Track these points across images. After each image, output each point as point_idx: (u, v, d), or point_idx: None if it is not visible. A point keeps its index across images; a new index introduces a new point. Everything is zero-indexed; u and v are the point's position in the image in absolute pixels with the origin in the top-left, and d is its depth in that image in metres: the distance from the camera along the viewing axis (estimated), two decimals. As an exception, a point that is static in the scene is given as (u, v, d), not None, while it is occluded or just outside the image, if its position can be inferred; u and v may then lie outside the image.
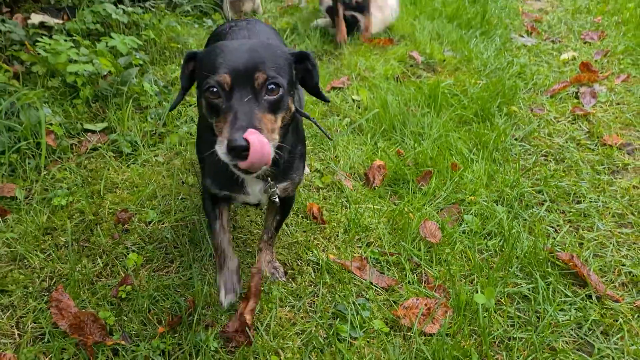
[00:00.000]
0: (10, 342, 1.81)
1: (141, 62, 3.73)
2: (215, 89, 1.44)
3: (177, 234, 2.29)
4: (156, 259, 2.18)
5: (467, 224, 2.44)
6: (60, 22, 4.15)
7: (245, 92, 1.42)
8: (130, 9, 4.23)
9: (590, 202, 2.69)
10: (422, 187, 2.68)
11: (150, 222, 2.38)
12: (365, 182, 2.74)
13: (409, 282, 2.09)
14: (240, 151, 1.33)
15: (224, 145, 1.36)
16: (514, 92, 3.72)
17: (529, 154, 3.10)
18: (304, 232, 2.34)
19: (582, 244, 2.40)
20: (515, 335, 1.90)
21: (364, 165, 2.87)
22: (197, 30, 4.45)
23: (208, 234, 2.25)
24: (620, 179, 2.90)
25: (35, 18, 4.08)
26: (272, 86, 1.45)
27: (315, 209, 2.41)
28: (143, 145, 2.92)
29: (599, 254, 2.35)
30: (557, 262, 2.22)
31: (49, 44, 3.37)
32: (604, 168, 2.97)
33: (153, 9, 4.50)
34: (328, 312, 1.95)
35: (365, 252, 2.24)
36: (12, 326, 1.87)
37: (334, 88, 3.75)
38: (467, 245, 2.30)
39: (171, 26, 4.29)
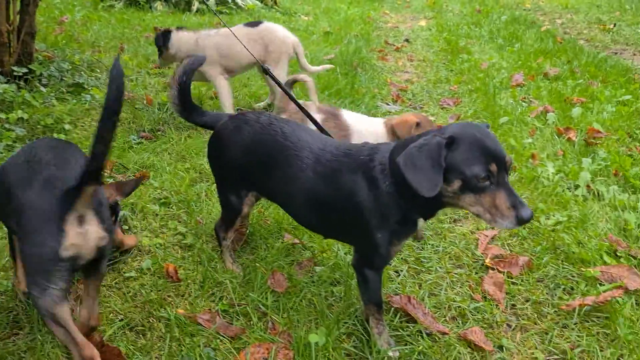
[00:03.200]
0: None
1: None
2: (485, 175, 1.77)
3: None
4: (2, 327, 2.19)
5: (317, 275, 2.65)
6: None
7: (503, 175, 1.81)
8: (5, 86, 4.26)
9: (432, 247, 3.00)
10: (278, 244, 2.87)
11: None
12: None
13: (254, 330, 2.24)
14: (528, 220, 1.77)
15: (511, 217, 1.77)
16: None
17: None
18: (159, 291, 2.45)
19: (421, 284, 2.67)
20: (350, 370, 2.09)
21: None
22: (72, 106, 4.53)
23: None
24: (460, 226, 3.25)
25: None
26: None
27: (171, 268, 2.53)
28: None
29: (435, 292, 2.62)
30: (391, 303, 2.45)
31: None
32: (448, 217, 3.32)
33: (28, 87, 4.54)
34: (174, 364, 2.05)
35: (217, 306, 2.37)
36: None
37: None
38: (315, 293, 2.50)
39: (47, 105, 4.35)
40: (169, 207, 3.19)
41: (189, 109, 2.50)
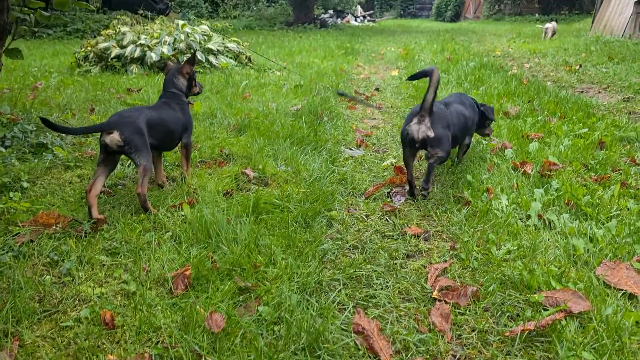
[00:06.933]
0: None
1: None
2: None
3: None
4: None
5: (260, 314, 2.61)
6: None
7: None
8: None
9: (381, 284, 2.97)
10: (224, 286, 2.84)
11: None
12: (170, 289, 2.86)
13: (188, 372, 2.19)
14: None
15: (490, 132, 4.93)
16: (333, 196, 4.11)
17: (337, 248, 3.39)
18: (94, 338, 2.40)
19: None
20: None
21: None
22: (33, 164, 4.56)
23: None
24: (413, 261, 3.24)
25: None
26: None
27: (108, 315, 2.49)
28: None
29: (380, 327, 2.58)
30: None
31: None
32: (401, 254, 3.32)
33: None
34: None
35: (152, 351, 2.33)
36: None
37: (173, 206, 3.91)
38: (255, 333, 2.46)
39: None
40: (117, 257, 3.16)
41: None
